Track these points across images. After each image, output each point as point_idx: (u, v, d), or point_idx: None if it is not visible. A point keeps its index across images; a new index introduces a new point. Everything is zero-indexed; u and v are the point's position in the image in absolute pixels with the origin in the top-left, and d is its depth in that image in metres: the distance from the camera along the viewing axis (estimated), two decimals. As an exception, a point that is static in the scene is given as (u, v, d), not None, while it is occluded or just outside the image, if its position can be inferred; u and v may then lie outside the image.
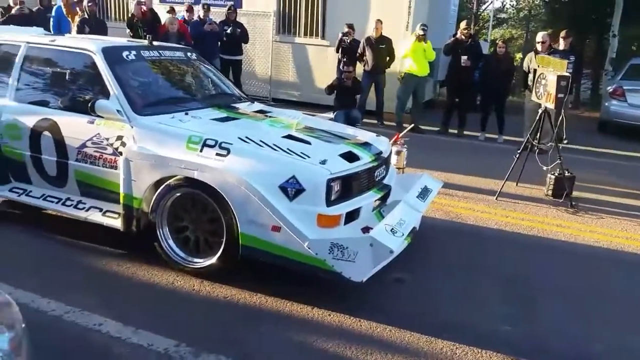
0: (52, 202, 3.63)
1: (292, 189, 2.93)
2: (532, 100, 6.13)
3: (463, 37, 8.46)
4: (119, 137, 3.35)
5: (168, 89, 4.08)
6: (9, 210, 4.04)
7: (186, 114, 3.54)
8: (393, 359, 2.58)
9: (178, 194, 3.18)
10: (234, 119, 3.66)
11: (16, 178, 3.82)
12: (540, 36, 7.72)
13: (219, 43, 9.04)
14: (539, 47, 7.46)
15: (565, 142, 7.73)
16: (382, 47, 8.63)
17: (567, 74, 5.07)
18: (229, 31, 9.06)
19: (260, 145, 3.16)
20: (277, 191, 2.93)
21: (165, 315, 2.87)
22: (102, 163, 3.43)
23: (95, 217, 3.46)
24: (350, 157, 3.27)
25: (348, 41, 8.79)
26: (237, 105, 4.11)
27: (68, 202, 3.59)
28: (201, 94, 4.17)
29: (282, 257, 2.94)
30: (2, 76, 3.89)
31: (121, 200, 3.28)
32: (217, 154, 3.09)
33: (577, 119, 10.78)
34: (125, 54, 3.72)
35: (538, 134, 5.52)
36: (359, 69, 8.75)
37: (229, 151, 3.08)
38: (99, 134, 3.41)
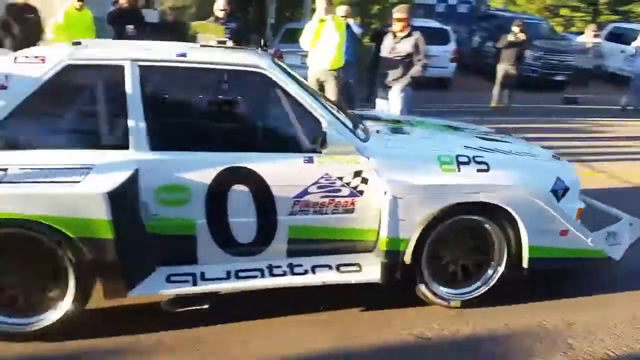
0: (253, 277, 2.65)
1: (560, 190, 2.99)
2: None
3: (126, 5, 7.50)
4: (357, 173, 2.69)
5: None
6: None
7: (377, 132, 3.05)
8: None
9: (446, 224, 2.81)
10: (403, 132, 3.32)
11: (168, 261, 2.62)
12: (398, 12, 5.67)
13: None
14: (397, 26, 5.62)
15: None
16: (30, 17, 6.91)
17: (225, 39, 5.32)
18: None
19: (494, 153, 3.05)
20: (552, 196, 2.94)
21: None
22: (332, 209, 2.70)
23: (329, 277, 2.72)
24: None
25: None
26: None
27: (276, 271, 2.69)
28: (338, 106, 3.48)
29: (568, 259, 3.00)
30: (106, 114, 2.53)
31: (382, 247, 2.70)
32: (479, 170, 2.86)
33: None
34: (282, 66, 2.89)
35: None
36: None
37: (487, 165, 2.88)
38: (327, 174, 2.65)
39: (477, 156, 2.90)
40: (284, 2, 15.72)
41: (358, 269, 2.77)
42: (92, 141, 2.51)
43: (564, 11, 22.37)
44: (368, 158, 2.71)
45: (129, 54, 2.60)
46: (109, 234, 2.33)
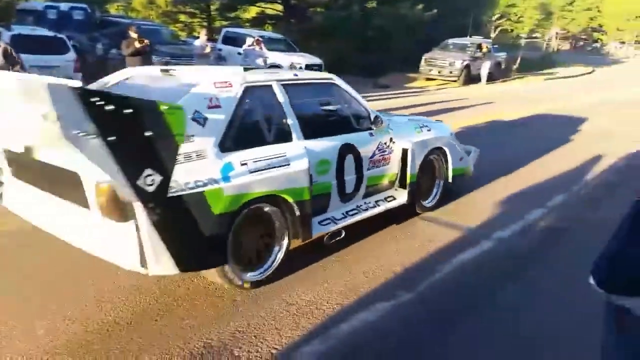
0: (355, 214, 4.13)
1: (453, 135, 5.45)
2: None
3: None
4: (391, 139, 4.48)
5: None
6: None
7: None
8: None
9: (424, 161, 4.86)
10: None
11: (314, 213, 3.86)
12: None
13: None
14: None
15: None
16: None
17: None
18: None
19: (423, 121, 5.28)
20: (453, 138, 5.38)
21: None
22: (382, 164, 4.42)
23: (386, 206, 4.43)
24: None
25: None
26: None
27: (362, 207, 4.24)
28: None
29: (462, 174, 5.46)
30: (274, 118, 3.59)
31: (409, 180, 4.58)
32: (427, 130, 5.03)
33: None
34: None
35: None
36: None
37: (429, 128, 5.09)
38: (380, 142, 4.35)
39: (423, 124, 5.04)
40: None
41: (393, 198, 4.56)
42: (275, 137, 3.55)
43: (182, 17, 23.64)
44: (392, 130, 4.52)
45: (273, 77, 3.73)
46: (308, 196, 3.55)
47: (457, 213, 5.06)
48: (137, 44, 8.75)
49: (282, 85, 3.72)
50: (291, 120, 3.66)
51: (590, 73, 29.59)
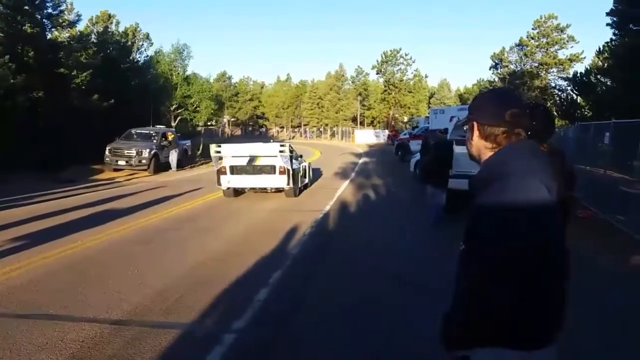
0: (304, 184, 13.74)
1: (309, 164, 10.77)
2: None
3: None
4: (303, 162, 10.39)
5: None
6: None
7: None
8: None
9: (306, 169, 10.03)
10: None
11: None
12: None
13: None
14: None
15: None
16: None
17: None
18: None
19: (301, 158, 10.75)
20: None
21: None
22: (305, 174, 13.22)
23: (304, 183, 14.05)
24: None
25: None
26: None
27: (306, 181, 13.69)
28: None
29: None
30: (294, 157, 12.25)
31: (307, 175, 14.01)
32: (304, 161, 10.19)
33: None
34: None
35: None
36: None
37: (304, 161, 10.11)
38: (303, 163, 11.57)
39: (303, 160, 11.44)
40: None
41: (305, 181, 14.61)
42: (295, 161, 11.96)
43: None
44: (301, 159, 11.80)
45: (289, 144, 9.62)
46: (300, 173, 11.49)
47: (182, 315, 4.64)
48: None
49: (292, 148, 12.85)
50: (296, 155, 12.73)
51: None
